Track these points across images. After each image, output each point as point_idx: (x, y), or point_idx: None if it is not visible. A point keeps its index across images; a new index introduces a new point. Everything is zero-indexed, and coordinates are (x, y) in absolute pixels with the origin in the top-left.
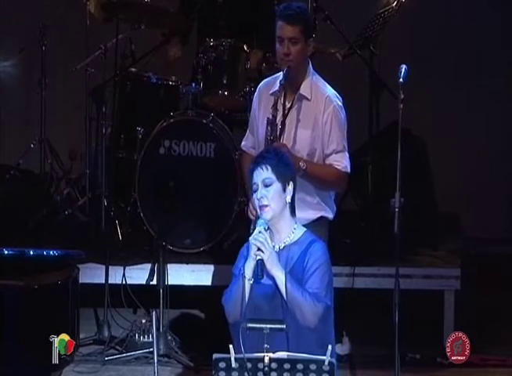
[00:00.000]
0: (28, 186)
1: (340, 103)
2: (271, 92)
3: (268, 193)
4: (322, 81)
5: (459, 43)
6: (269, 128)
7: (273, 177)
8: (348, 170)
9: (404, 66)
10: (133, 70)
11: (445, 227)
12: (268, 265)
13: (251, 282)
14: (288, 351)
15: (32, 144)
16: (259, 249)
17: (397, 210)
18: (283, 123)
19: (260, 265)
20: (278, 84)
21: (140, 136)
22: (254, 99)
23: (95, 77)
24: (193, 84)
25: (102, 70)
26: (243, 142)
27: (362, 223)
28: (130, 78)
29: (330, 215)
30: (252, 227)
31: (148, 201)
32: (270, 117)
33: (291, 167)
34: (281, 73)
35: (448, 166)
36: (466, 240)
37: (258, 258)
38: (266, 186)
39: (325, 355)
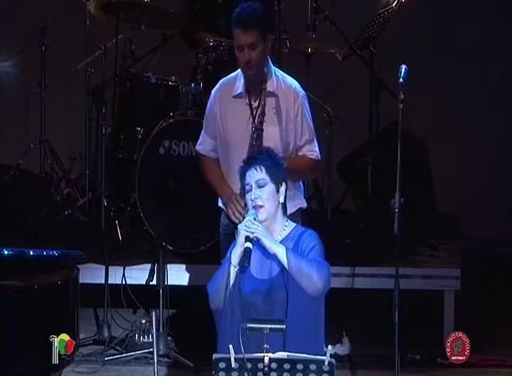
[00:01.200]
0: (28, 186)
1: (304, 92)
2: (234, 94)
3: (263, 194)
4: (282, 72)
5: (459, 43)
6: (256, 134)
7: (267, 178)
8: (320, 157)
9: (404, 66)
10: (133, 70)
11: (445, 227)
12: (267, 244)
13: (236, 269)
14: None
15: (32, 144)
16: (247, 238)
17: (397, 210)
18: (254, 123)
19: (247, 253)
20: (240, 86)
21: (140, 136)
22: (212, 102)
23: (95, 78)
24: (193, 85)
25: (102, 71)
26: (199, 146)
27: (362, 223)
28: (130, 78)
29: (305, 205)
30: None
31: (148, 201)
32: (256, 123)
33: (283, 168)
34: (237, 72)
35: (449, 166)
36: (467, 241)
37: (246, 245)
38: (260, 186)
39: (313, 346)
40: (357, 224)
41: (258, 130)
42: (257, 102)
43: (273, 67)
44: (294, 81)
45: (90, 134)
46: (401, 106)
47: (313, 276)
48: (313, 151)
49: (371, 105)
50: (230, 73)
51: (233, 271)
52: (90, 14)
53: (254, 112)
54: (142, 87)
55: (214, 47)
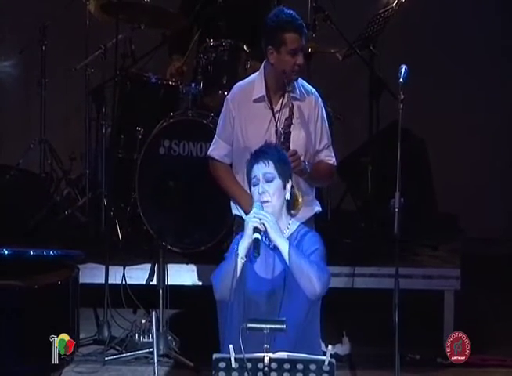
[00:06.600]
0: (28, 187)
1: (320, 99)
2: (254, 98)
3: (270, 189)
4: (300, 79)
5: (458, 43)
6: (283, 137)
7: (275, 173)
8: (336, 163)
9: (404, 67)
10: (133, 70)
11: (445, 227)
12: (272, 235)
13: (243, 261)
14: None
15: (32, 144)
16: (256, 229)
17: (397, 210)
18: (276, 127)
19: (257, 244)
20: (260, 90)
21: (140, 136)
22: (230, 107)
23: (95, 78)
24: (193, 85)
25: (102, 71)
26: (213, 152)
27: (362, 223)
28: (130, 78)
29: (320, 209)
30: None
31: (148, 201)
32: (282, 125)
33: (290, 165)
34: (254, 76)
35: (448, 166)
36: (466, 240)
37: (255, 236)
38: (268, 181)
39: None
40: (357, 224)
41: (286, 133)
42: (280, 105)
43: None
44: (312, 87)
45: (90, 134)
46: (401, 106)
47: (312, 278)
48: (331, 157)
49: (371, 105)
50: (230, 73)
51: (240, 263)
52: (90, 14)
53: (277, 115)
54: (142, 87)
55: (214, 47)
